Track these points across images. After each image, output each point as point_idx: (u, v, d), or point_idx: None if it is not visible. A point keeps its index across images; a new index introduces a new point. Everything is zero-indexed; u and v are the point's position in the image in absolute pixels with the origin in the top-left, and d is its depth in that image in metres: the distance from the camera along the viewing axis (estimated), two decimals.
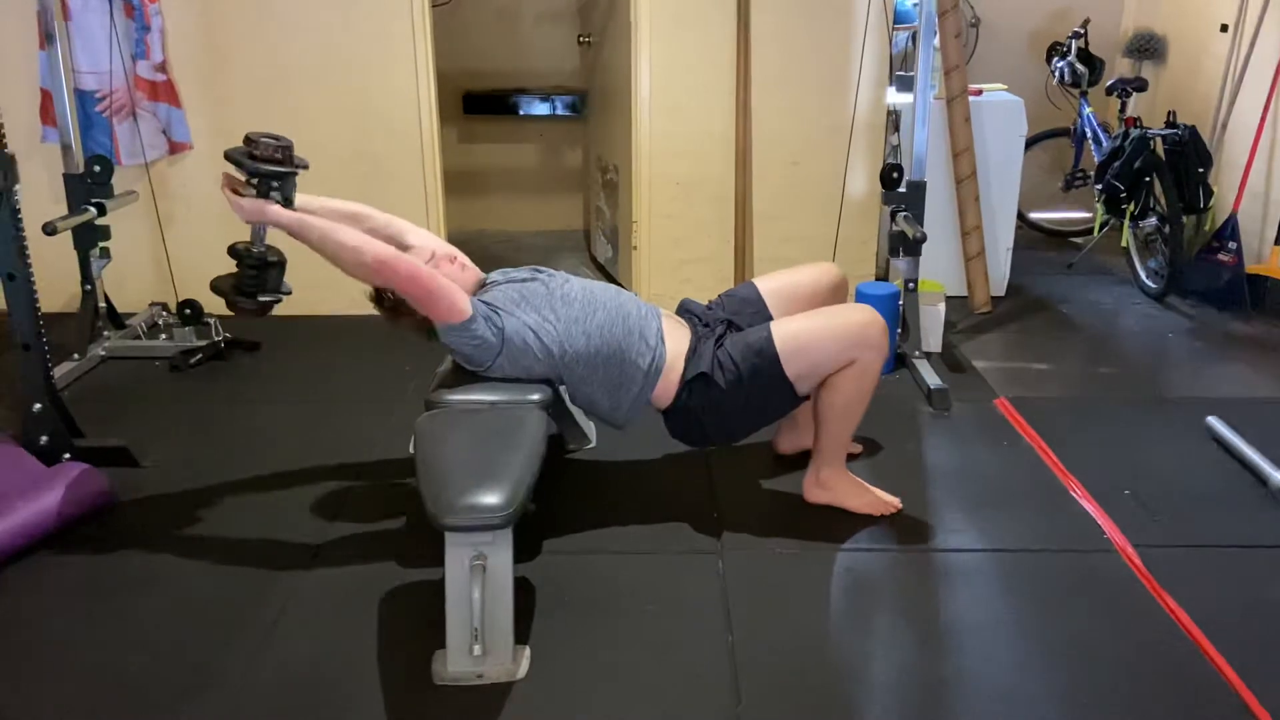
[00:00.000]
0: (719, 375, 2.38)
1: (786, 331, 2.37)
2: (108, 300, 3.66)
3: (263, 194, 2.14)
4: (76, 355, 3.45)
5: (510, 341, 2.31)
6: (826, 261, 2.72)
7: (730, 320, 2.54)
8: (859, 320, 2.34)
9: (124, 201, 3.53)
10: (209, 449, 2.89)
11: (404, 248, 2.40)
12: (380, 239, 2.31)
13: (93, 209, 3.35)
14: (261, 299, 2.26)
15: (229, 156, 2.15)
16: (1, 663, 2.00)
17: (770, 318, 2.54)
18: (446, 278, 2.35)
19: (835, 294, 2.66)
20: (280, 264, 2.27)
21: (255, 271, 2.24)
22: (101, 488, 2.52)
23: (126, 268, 3.82)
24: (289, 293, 2.32)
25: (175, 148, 3.84)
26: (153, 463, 2.77)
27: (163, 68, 3.73)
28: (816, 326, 2.37)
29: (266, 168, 2.13)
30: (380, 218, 2.48)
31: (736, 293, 2.66)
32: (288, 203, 2.18)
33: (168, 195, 3.89)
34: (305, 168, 2.21)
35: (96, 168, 3.37)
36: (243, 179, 2.16)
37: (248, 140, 2.13)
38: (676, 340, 2.46)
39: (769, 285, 2.65)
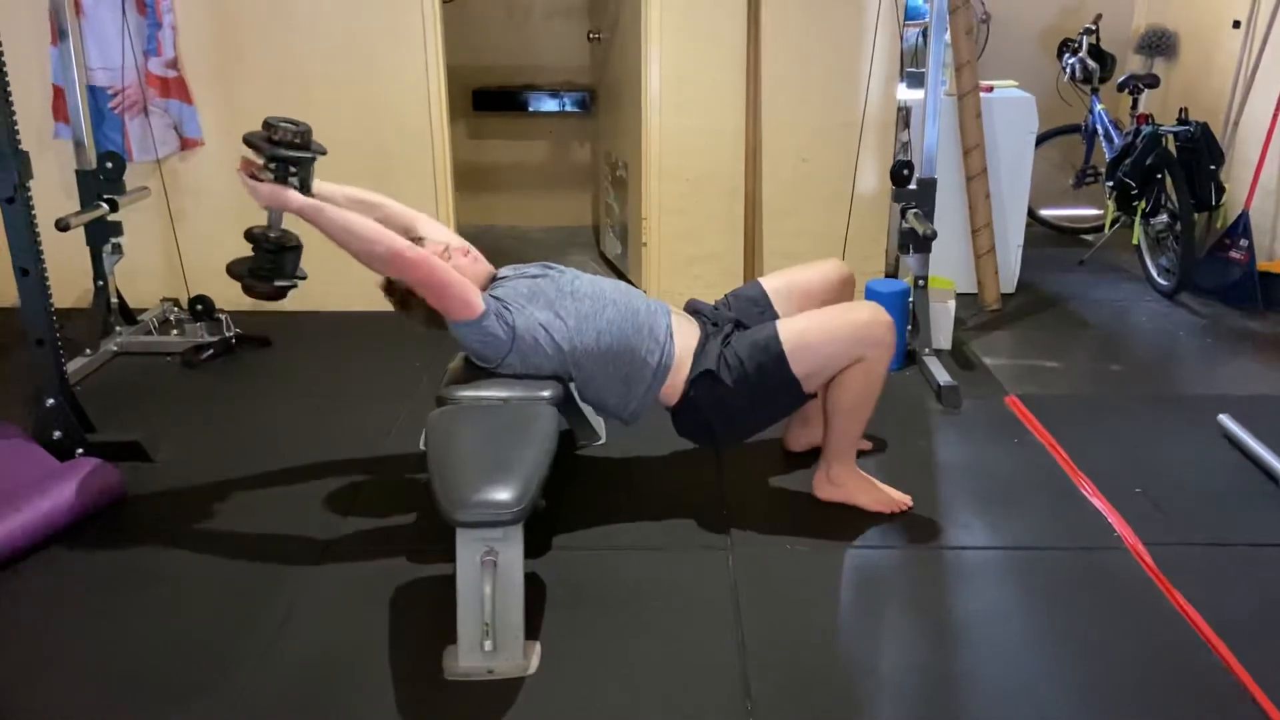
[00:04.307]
0: (725, 373, 2.38)
1: (792, 329, 2.37)
2: (120, 296, 3.67)
3: (280, 179, 2.13)
4: (89, 351, 3.47)
5: (521, 339, 2.31)
6: (833, 258, 2.71)
7: (738, 320, 2.54)
8: (865, 318, 2.34)
9: (136, 198, 3.54)
10: (220, 444, 2.90)
11: (416, 239, 2.40)
12: (393, 229, 2.30)
13: (105, 205, 3.37)
14: (277, 284, 2.25)
15: (247, 140, 2.13)
16: (14, 656, 2.01)
17: (777, 316, 2.54)
18: (459, 272, 2.36)
19: (842, 290, 2.65)
20: (296, 249, 2.26)
21: (272, 256, 2.23)
22: (114, 482, 2.53)
23: (138, 263, 3.83)
24: (304, 278, 2.30)
25: (187, 144, 3.85)
26: (165, 458, 2.79)
27: (174, 64, 3.74)
28: (823, 324, 2.37)
29: (285, 152, 2.12)
30: (395, 207, 2.49)
31: (743, 292, 2.66)
32: (305, 188, 2.17)
33: (179, 191, 3.90)
34: (323, 153, 2.21)
35: (108, 164, 3.39)
36: (260, 163, 2.15)
37: (266, 125, 2.12)
38: (685, 337, 2.46)
39: (774, 284, 2.65)
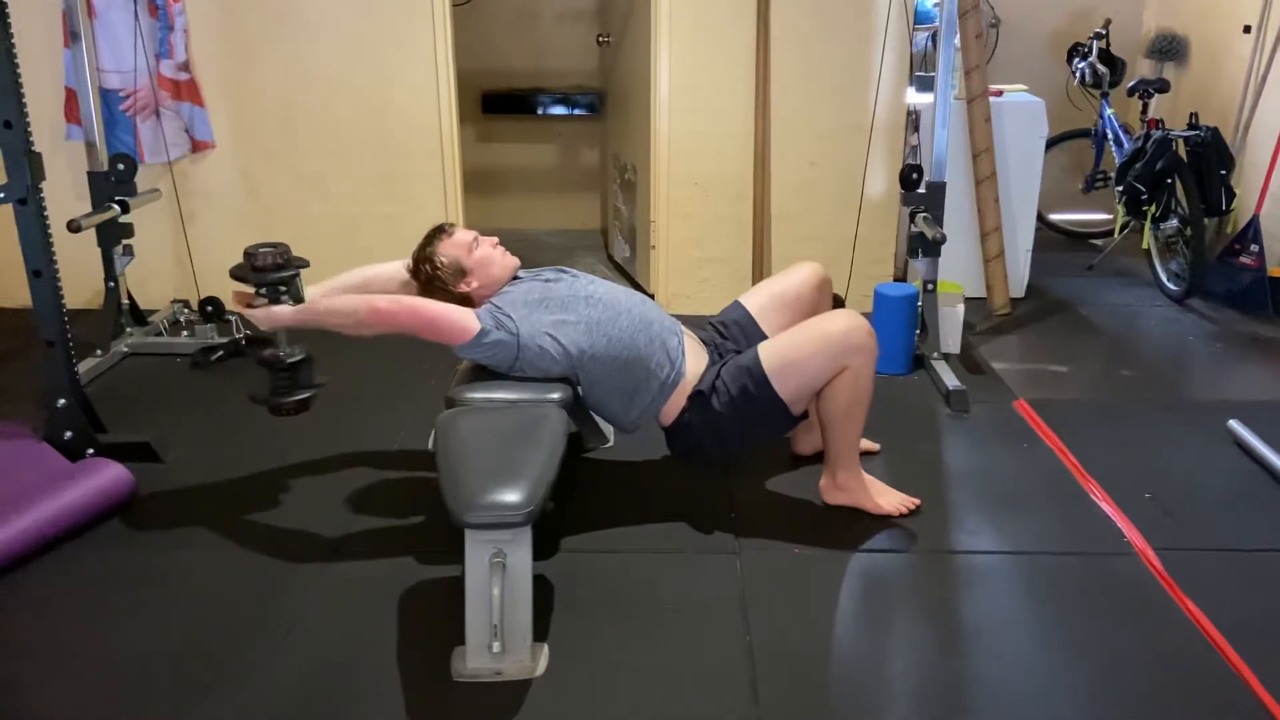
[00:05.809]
0: (714, 398, 2.40)
1: (774, 351, 2.39)
2: (130, 297, 3.69)
3: (274, 300, 2.27)
4: (99, 351, 3.49)
5: (526, 348, 2.33)
6: (808, 262, 2.71)
7: (738, 350, 2.55)
8: (841, 327, 2.34)
9: (147, 199, 3.56)
10: (230, 445, 2.91)
11: (437, 229, 2.48)
12: (393, 290, 2.43)
13: (116, 207, 3.39)
14: (298, 399, 2.39)
15: (234, 275, 2.28)
16: (24, 655, 2.02)
17: (765, 336, 2.55)
18: (489, 262, 2.42)
19: (821, 293, 2.66)
20: (307, 360, 2.39)
21: (286, 374, 2.37)
22: (124, 483, 2.54)
23: (149, 265, 3.85)
24: (324, 384, 2.43)
25: (198, 146, 3.87)
26: (175, 458, 2.80)
27: (186, 67, 3.76)
28: (801, 342, 2.37)
29: (272, 276, 2.26)
30: (386, 270, 2.53)
31: (730, 317, 2.67)
32: (299, 300, 2.31)
33: (190, 193, 3.92)
34: (306, 265, 2.32)
35: (120, 166, 3.40)
36: (253, 292, 2.29)
37: (246, 255, 2.26)
38: (696, 360, 2.49)
39: (757, 301, 2.66)
